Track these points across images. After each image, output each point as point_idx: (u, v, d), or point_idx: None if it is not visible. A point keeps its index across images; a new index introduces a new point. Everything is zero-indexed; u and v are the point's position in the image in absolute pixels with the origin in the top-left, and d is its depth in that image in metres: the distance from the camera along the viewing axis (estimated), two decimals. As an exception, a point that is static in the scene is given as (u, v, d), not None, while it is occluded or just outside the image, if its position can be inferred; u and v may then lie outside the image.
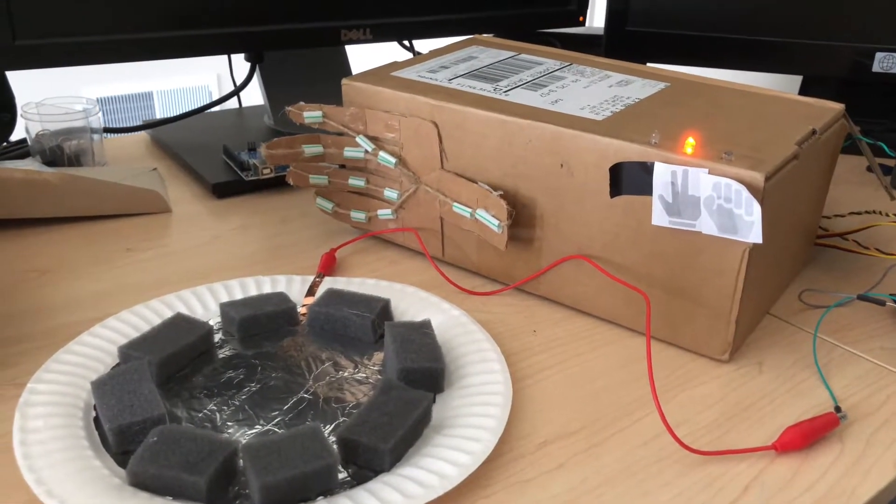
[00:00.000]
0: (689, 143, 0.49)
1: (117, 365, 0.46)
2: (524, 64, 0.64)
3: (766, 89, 0.60)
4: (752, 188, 0.45)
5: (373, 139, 0.59)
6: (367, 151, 0.60)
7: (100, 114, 0.75)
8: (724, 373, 0.49)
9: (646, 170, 0.48)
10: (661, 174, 0.47)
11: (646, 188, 0.48)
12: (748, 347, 0.52)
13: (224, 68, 2.31)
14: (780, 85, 1.10)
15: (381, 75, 0.61)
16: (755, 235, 0.45)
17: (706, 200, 0.46)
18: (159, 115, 2.30)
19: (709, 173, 0.45)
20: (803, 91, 0.97)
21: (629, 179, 0.49)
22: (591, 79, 0.61)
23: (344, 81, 0.60)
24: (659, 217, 0.48)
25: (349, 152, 0.61)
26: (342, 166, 0.62)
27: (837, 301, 0.57)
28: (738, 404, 0.47)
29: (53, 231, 0.64)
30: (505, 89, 0.58)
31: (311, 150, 0.61)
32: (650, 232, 0.49)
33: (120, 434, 0.40)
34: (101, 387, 0.42)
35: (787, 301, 0.58)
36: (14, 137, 0.76)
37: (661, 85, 0.60)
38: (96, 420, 0.42)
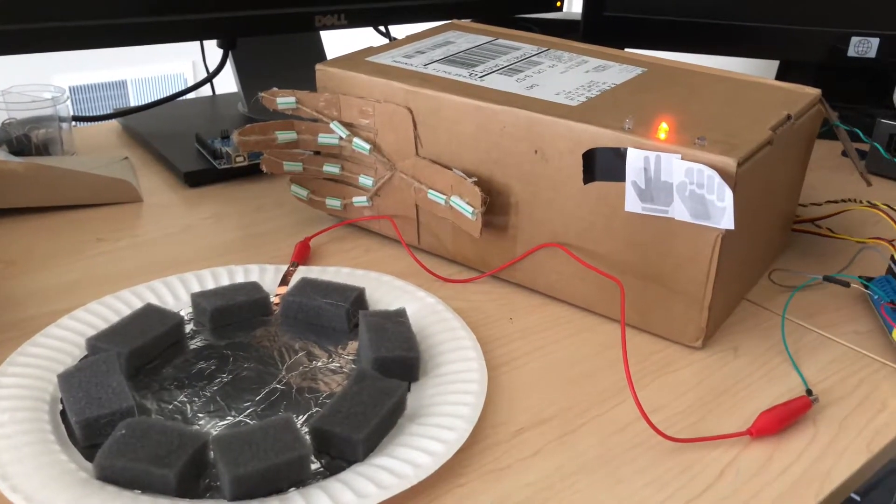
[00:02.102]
0: (663, 129, 0.48)
1: (85, 357, 0.45)
2: (501, 49, 0.63)
3: (743, 75, 0.59)
4: (724, 174, 0.44)
5: (347, 125, 0.59)
6: (341, 138, 0.59)
7: (68, 102, 0.73)
8: (698, 358, 0.49)
9: (619, 156, 0.48)
10: (634, 160, 0.47)
11: (619, 174, 0.48)
12: (723, 333, 0.52)
13: (199, 55, 2.28)
14: (758, 70, 1.10)
15: (355, 61, 0.60)
16: (727, 221, 0.44)
17: (679, 186, 0.46)
18: (133, 103, 2.27)
19: (681, 159, 0.45)
20: (780, 76, 0.98)
21: (602, 165, 0.49)
22: (568, 64, 0.60)
23: (318, 67, 0.59)
24: (632, 203, 0.48)
25: (323, 139, 0.60)
26: (317, 153, 0.61)
27: (804, 282, 0.57)
28: (714, 390, 0.47)
29: (21, 221, 0.63)
30: (480, 75, 0.57)
31: (284, 136, 0.60)
32: (624, 219, 0.49)
33: (87, 427, 0.39)
34: (68, 379, 0.41)
35: (763, 286, 0.58)
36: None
37: (638, 70, 0.59)
38: (63, 413, 0.41)
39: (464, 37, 0.67)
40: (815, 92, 0.57)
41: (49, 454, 0.38)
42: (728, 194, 0.44)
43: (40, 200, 0.64)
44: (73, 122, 0.76)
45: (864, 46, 0.84)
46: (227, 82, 1.04)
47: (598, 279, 0.52)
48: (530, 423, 0.43)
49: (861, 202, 0.64)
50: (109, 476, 0.37)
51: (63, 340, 0.46)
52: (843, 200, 0.66)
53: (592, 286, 0.52)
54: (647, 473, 0.40)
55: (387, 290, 0.53)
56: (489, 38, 0.66)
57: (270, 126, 0.59)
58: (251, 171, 0.72)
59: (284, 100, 0.59)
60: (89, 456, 0.39)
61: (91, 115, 0.82)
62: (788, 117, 0.52)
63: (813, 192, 0.73)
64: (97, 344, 0.45)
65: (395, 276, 0.55)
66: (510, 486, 0.39)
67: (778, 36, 0.87)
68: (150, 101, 0.82)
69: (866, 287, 0.55)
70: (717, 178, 0.44)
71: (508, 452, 0.41)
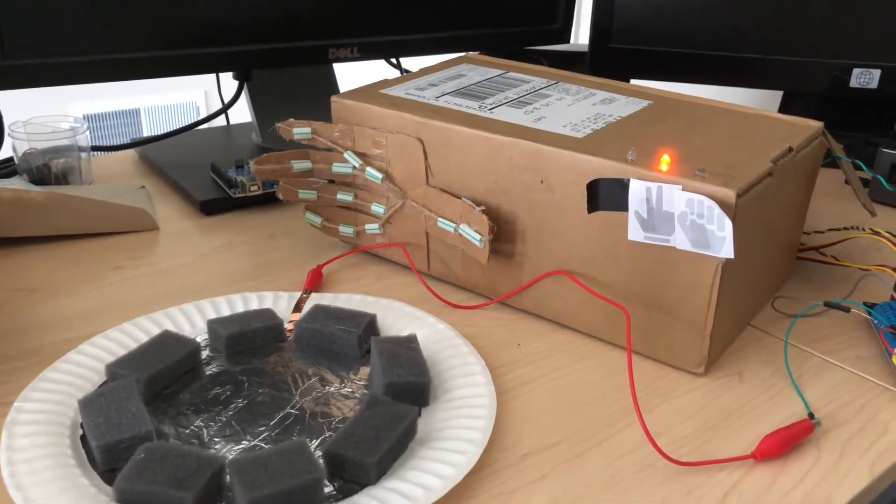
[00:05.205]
0: (665, 161, 0.50)
1: (104, 383, 0.47)
2: (511, 82, 0.65)
3: (747, 107, 0.61)
4: (723, 205, 0.46)
5: (360, 155, 0.60)
6: (354, 167, 0.60)
7: (87, 132, 0.75)
8: (703, 384, 0.50)
9: (622, 186, 0.49)
10: (637, 190, 0.48)
11: (622, 204, 0.49)
12: (728, 358, 0.53)
13: (211, 84, 2.31)
14: (761, 100, 1.12)
15: (370, 93, 0.62)
16: (727, 251, 0.46)
17: (680, 216, 0.47)
18: (146, 131, 2.30)
19: (682, 190, 0.46)
20: (783, 106, 0.99)
21: (606, 195, 0.50)
22: (576, 97, 0.62)
23: (333, 99, 0.61)
24: (635, 232, 0.49)
25: (337, 168, 0.61)
26: (331, 181, 0.63)
27: (806, 309, 0.58)
28: (718, 414, 0.47)
29: (41, 249, 0.64)
30: (490, 107, 0.59)
31: (299, 165, 0.62)
32: (627, 247, 0.50)
33: (107, 451, 0.40)
34: (88, 405, 0.42)
35: (768, 312, 0.58)
36: (1, 156, 0.77)
37: (644, 103, 0.61)
38: (83, 438, 0.42)
39: (475, 70, 0.69)
40: (817, 125, 0.58)
41: (70, 478, 0.39)
42: (727, 224, 0.45)
43: (61, 229, 0.66)
44: (92, 152, 0.78)
45: (865, 78, 0.86)
46: (241, 112, 1.06)
47: (602, 306, 0.53)
48: (538, 448, 0.44)
49: (864, 230, 0.65)
50: (129, 499, 0.38)
51: (83, 366, 0.48)
52: (847, 228, 0.67)
53: (597, 313, 0.54)
54: (652, 496, 0.41)
55: (398, 317, 0.54)
56: (500, 72, 0.68)
57: (286, 155, 0.61)
58: (265, 200, 0.74)
59: (301, 130, 0.61)
60: (109, 480, 0.40)
61: (105, 143, 0.84)
62: (790, 149, 0.53)
63: (816, 219, 0.74)
64: (116, 370, 0.46)
65: (405, 302, 0.56)
66: (519, 510, 0.40)
67: (781, 67, 0.89)
68: (162, 129, 0.84)
69: (869, 313, 0.56)
70: (717, 209, 0.45)
71: (516, 476, 0.42)
